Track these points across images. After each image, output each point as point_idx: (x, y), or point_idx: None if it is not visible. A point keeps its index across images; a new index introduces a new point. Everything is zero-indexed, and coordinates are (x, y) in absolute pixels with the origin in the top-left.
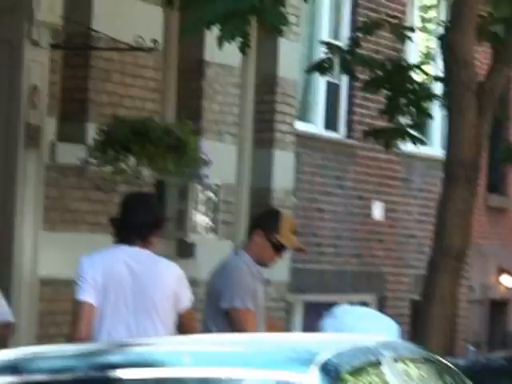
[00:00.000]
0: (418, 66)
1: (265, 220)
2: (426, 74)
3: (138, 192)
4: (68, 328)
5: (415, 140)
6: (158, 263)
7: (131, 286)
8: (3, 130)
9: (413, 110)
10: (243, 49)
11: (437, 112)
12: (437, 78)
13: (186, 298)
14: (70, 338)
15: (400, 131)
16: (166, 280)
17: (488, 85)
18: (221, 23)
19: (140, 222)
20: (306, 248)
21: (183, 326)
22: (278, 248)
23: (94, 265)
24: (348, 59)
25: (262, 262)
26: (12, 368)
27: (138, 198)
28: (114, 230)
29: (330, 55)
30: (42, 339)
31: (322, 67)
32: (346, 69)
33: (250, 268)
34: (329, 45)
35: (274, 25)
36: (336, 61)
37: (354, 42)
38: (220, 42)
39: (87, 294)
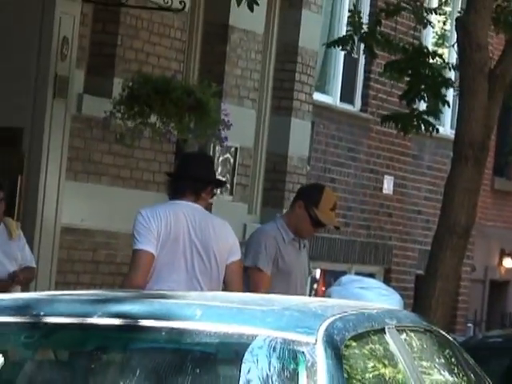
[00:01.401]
0: (436, 53)
1: (308, 193)
2: (444, 60)
3: (195, 152)
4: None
5: (431, 127)
6: (213, 218)
7: (191, 238)
8: (33, 79)
9: (429, 96)
10: (251, 6)
11: (449, 94)
12: (453, 67)
13: (238, 252)
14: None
15: (416, 117)
16: (224, 234)
17: (500, 69)
18: None
19: (197, 176)
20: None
21: (231, 278)
22: (315, 222)
23: (155, 217)
24: (369, 38)
25: (299, 233)
26: (28, 309)
27: (197, 156)
28: (170, 185)
29: (352, 32)
30: (60, 286)
31: (343, 43)
32: (368, 48)
33: (281, 234)
34: (352, 20)
35: None
36: (356, 38)
37: (376, 22)
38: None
39: (147, 244)
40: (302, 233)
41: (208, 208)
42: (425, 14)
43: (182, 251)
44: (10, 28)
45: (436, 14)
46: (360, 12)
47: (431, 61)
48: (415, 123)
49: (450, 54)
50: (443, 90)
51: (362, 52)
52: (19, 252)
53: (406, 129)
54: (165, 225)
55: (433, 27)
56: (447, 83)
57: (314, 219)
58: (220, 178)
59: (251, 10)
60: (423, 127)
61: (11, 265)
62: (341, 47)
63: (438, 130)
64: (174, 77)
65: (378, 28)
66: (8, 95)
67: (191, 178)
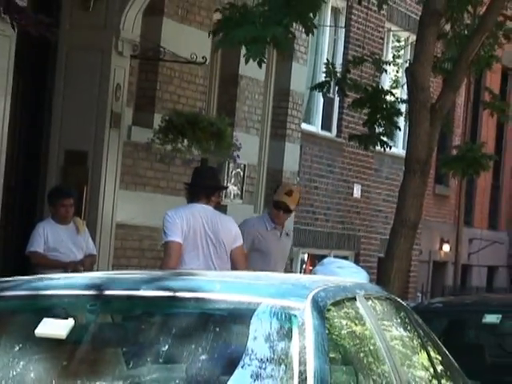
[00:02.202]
0: (390, 92)
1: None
2: (395, 96)
3: (205, 165)
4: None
5: (385, 145)
6: (221, 215)
7: (206, 231)
8: (95, 115)
9: (385, 122)
10: (260, 64)
11: (401, 122)
12: (403, 101)
13: (240, 239)
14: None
15: (375, 137)
16: (229, 226)
17: (438, 104)
18: (246, 45)
19: (207, 185)
20: (295, 209)
21: (237, 259)
22: (276, 206)
23: (179, 216)
24: (341, 83)
25: (275, 221)
26: (92, 284)
27: (206, 169)
28: (188, 192)
29: (328, 78)
30: (116, 267)
31: (322, 87)
32: (341, 90)
33: (264, 223)
34: (328, 70)
35: (284, 50)
36: (332, 83)
37: (346, 70)
38: (247, 59)
39: (176, 236)
40: (275, 219)
41: (222, 209)
42: (382, 65)
43: (200, 241)
44: (79, 77)
45: (390, 65)
46: (334, 63)
47: (387, 97)
48: (374, 142)
49: (402, 92)
50: (396, 119)
51: (336, 93)
52: (85, 243)
53: (367, 145)
54: (186, 222)
55: (387, 74)
56: (399, 113)
57: (275, 204)
58: (223, 184)
59: (260, 66)
60: (380, 144)
61: (79, 253)
62: (320, 90)
63: (390, 147)
64: (200, 112)
65: (348, 75)
66: (77, 126)
67: (203, 186)
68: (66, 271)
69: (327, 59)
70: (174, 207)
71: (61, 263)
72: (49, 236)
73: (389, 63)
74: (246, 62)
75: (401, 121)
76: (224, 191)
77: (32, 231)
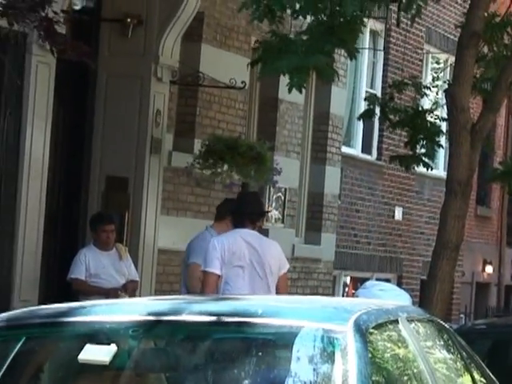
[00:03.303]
0: (431, 112)
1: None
2: (437, 116)
3: (249, 190)
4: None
5: (426, 166)
6: (265, 240)
7: (250, 257)
8: (135, 141)
9: (427, 142)
10: (300, 90)
11: (443, 141)
12: (443, 119)
13: (286, 265)
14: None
15: (416, 158)
16: (274, 252)
17: (479, 126)
18: (290, 74)
19: (252, 211)
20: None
21: (280, 285)
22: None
23: (220, 244)
24: (385, 109)
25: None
26: (138, 311)
27: (250, 194)
28: (232, 218)
29: (371, 106)
30: (158, 292)
31: (369, 116)
32: (384, 116)
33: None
34: (370, 97)
35: (327, 78)
36: (376, 109)
37: (389, 97)
38: (290, 88)
39: (214, 267)
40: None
41: (263, 233)
42: (423, 89)
43: (245, 266)
44: (119, 103)
45: (430, 90)
46: (376, 95)
47: (428, 117)
48: (415, 163)
49: (443, 112)
50: (437, 138)
51: (378, 119)
52: (127, 269)
53: (408, 166)
54: (227, 248)
55: (427, 97)
56: (440, 132)
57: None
58: (267, 210)
59: (300, 92)
60: (421, 165)
61: (121, 279)
62: (367, 119)
63: (432, 168)
64: (240, 137)
65: (390, 101)
66: (117, 152)
67: (248, 212)
68: (107, 298)
69: (366, 91)
70: (221, 234)
71: (102, 290)
72: (90, 262)
73: (429, 88)
74: (290, 91)
75: (443, 140)
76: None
77: (73, 258)
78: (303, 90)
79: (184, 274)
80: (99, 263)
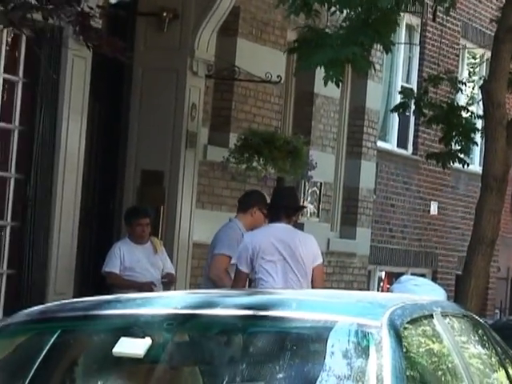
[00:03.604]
0: (466, 108)
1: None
2: (472, 113)
3: (285, 185)
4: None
5: (462, 162)
6: (300, 234)
7: (282, 251)
8: (171, 135)
9: (462, 139)
10: (338, 84)
11: (478, 139)
12: (478, 116)
13: (319, 258)
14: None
15: (452, 155)
16: (308, 245)
17: None
18: (325, 67)
19: (288, 205)
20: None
21: (316, 277)
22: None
23: (253, 240)
24: (420, 103)
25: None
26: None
27: (286, 189)
28: (268, 212)
29: (406, 99)
30: (193, 286)
31: (403, 109)
32: (418, 110)
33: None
34: (405, 91)
35: (361, 71)
36: (410, 103)
37: (424, 91)
38: (325, 81)
39: (241, 264)
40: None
41: (300, 227)
42: (458, 84)
43: (275, 260)
44: (154, 97)
45: (465, 85)
46: (412, 89)
47: (463, 114)
48: (451, 160)
49: (478, 108)
50: (472, 135)
51: (412, 113)
52: (162, 262)
53: (444, 164)
54: (259, 245)
55: (462, 92)
56: (475, 129)
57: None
58: (303, 204)
59: (338, 86)
60: (457, 162)
61: (156, 272)
62: (400, 113)
63: (468, 164)
64: (276, 131)
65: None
66: (153, 146)
67: (284, 207)
68: (141, 291)
69: (401, 86)
70: (252, 230)
71: (136, 283)
72: (125, 256)
73: (464, 83)
74: (325, 84)
75: (477, 137)
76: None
77: (108, 251)
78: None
79: (208, 265)
80: (134, 257)
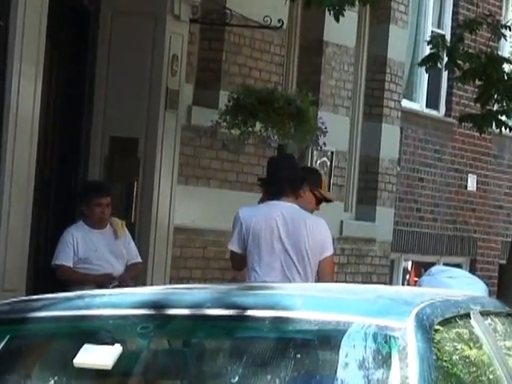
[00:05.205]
0: (509, 60)
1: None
2: None
3: (282, 154)
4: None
5: (503, 125)
6: (307, 217)
7: (280, 236)
8: (147, 93)
9: (503, 97)
10: (337, 17)
11: None
12: None
13: (330, 248)
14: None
15: (491, 117)
16: (316, 231)
17: None
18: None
19: (292, 176)
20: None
21: (323, 270)
22: (319, 201)
23: (247, 219)
24: (453, 54)
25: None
26: (149, 303)
27: (286, 158)
28: (265, 187)
29: (436, 49)
30: (174, 280)
31: (434, 62)
32: (452, 62)
33: None
34: (436, 38)
35: (370, 3)
36: (442, 54)
37: (458, 38)
38: (336, 14)
39: (235, 245)
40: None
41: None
42: (500, 29)
43: (276, 248)
44: (126, 47)
45: (511, 30)
46: (444, 36)
47: (506, 67)
48: (489, 123)
49: None
50: None
51: (444, 66)
52: (124, 249)
53: (481, 127)
54: (255, 224)
55: (506, 40)
56: None
57: (320, 198)
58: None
59: (337, 20)
60: (496, 125)
61: (118, 263)
62: (429, 67)
63: (510, 129)
64: (276, 88)
65: (461, 44)
66: (124, 108)
67: (288, 179)
68: (100, 287)
69: (432, 32)
70: (251, 205)
71: (93, 277)
72: (79, 245)
73: (509, 28)
74: (336, 18)
75: None
76: None
77: (59, 239)
78: (354, 31)
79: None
80: (90, 245)
